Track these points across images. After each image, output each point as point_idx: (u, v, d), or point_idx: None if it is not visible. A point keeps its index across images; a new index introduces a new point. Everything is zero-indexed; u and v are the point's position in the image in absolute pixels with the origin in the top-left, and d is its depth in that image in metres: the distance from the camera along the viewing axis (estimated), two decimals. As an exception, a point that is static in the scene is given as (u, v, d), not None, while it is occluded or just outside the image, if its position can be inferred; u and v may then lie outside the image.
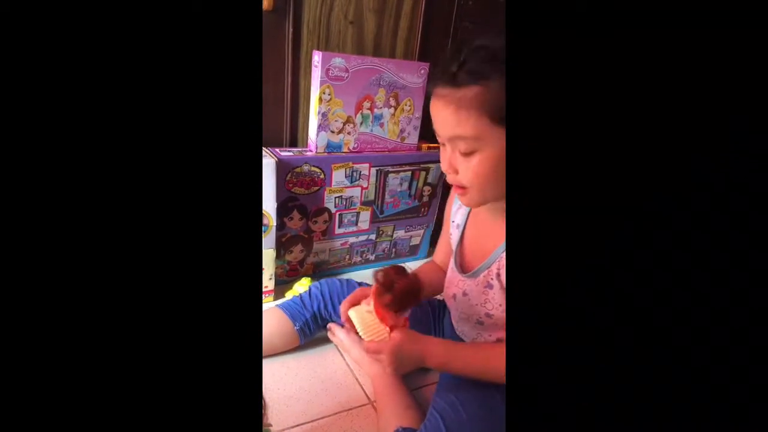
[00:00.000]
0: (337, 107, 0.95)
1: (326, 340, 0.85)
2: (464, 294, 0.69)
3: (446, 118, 0.53)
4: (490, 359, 0.60)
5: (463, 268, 0.71)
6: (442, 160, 0.57)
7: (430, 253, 1.27)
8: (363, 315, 0.64)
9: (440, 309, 0.84)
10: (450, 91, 0.51)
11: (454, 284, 0.72)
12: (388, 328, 0.63)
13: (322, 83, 0.91)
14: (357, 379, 0.79)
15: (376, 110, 1.00)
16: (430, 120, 1.07)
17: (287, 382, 0.76)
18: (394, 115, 1.03)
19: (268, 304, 0.96)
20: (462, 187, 0.57)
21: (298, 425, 0.68)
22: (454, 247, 0.74)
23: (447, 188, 1.16)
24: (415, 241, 1.23)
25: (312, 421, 0.69)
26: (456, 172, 0.56)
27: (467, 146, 0.53)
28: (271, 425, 0.57)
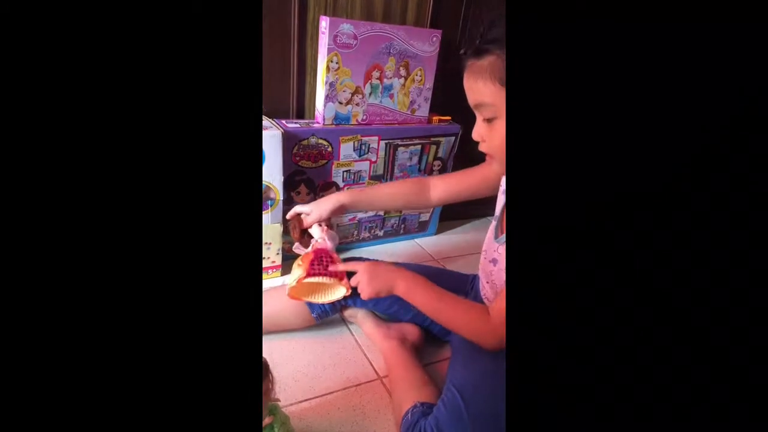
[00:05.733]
0: (345, 77, 0.91)
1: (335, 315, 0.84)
2: (493, 260, 0.69)
3: (470, 87, 0.56)
4: (453, 309, 0.63)
5: (499, 234, 0.70)
6: (474, 131, 0.60)
7: (440, 229, 1.25)
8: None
9: (473, 280, 0.84)
10: (473, 62, 0.55)
11: (490, 251, 0.70)
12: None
13: (329, 51, 0.87)
14: (365, 355, 0.78)
15: (385, 80, 0.96)
16: (440, 91, 1.04)
17: (295, 357, 0.75)
18: (404, 85, 0.99)
19: (276, 279, 0.95)
20: (490, 156, 0.61)
21: (306, 400, 0.67)
22: (497, 213, 0.72)
23: (457, 163, 1.13)
24: (425, 217, 1.20)
25: (320, 396, 0.68)
26: (484, 140, 0.59)
27: (488, 112, 0.56)
28: (279, 400, 0.56)
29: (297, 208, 0.77)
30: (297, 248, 0.74)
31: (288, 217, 0.78)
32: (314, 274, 0.66)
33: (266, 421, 0.52)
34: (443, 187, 0.81)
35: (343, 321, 0.85)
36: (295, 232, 0.76)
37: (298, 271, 0.68)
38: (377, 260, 0.68)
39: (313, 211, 0.75)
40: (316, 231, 0.74)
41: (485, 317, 0.59)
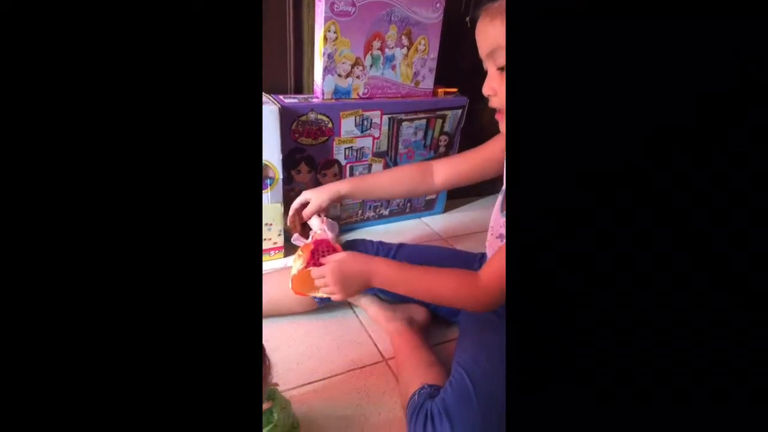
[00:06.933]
0: (344, 47, 0.86)
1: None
2: (500, 236, 0.65)
3: (486, 30, 0.52)
4: (436, 282, 0.60)
5: (504, 208, 0.66)
6: (484, 85, 0.56)
7: (447, 207, 1.21)
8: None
9: (480, 258, 0.81)
10: (488, 5, 0.52)
11: (497, 227, 0.67)
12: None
13: (326, 19, 0.82)
14: (370, 336, 0.76)
15: (387, 50, 0.91)
16: (446, 62, 0.99)
17: (298, 340, 0.73)
18: (407, 56, 0.94)
19: (278, 261, 0.93)
20: (501, 114, 0.57)
21: (309, 383, 0.65)
22: (504, 187, 0.68)
23: (464, 138, 1.08)
24: (431, 195, 1.16)
25: (323, 379, 0.66)
26: (496, 93, 0.54)
27: (503, 58, 0.52)
28: (277, 384, 0.54)
29: (304, 195, 0.74)
30: (296, 239, 0.71)
31: (295, 206, 0.74)
32: (316, 264, 0.64)
33: (265, 406, 0.50)
34: (447, 171, 0.77)
35: (348, 303, 0.82)
36: (295, 228, 0.74)
37: (299, 262, 0.66)
38: (346, 254, 0.64)
39: (311, 201, 0.72)
40: (314, 222, 0.72)
41: (471, 280, 0.57)
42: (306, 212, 0.73)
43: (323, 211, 0.74)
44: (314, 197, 0.73)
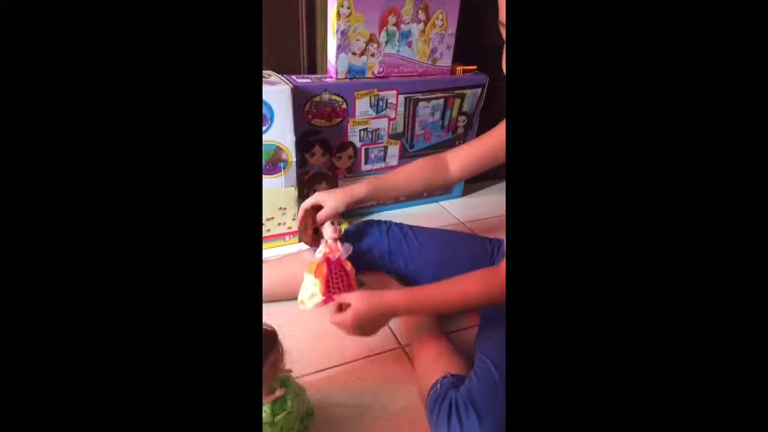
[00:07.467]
0: (357, 23, 0.83)
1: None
2: None
3: None
4: (460, 292, 0.57)
5: None
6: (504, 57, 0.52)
7: (466, 191, 1.18)
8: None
9: (498, 244, 0.78)
10: None
11: None
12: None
13: (339, -6, 0.79)
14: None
15: (403, 26, 0.87)
16: (465, 38, 0.94)
17: (312, 325, 0.72)
18: (423, 31, 0.90)
19: (293, 246, 0.92)
20: None
21: (323, 369, 0.64)
22: None
23: (484, 118, 1.04)
24: (450, 185, 1.13)
25: (338, 365, 0.65)
26: None
27: None
28: (290, 371, 0.52)
29: (317, 197, 0.69)
30: (307, 253, 0.67)
31: (305, 206, 0.69)
32: (332, 297, 0.61)
33: (278, 393, 0.48)
34: (462, 159, 0.74)
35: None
36: (306, 232, 0.68)
37: (311, 288, 0.62)
38: (361, 300, 0.57)
39: (327, 205, 0.67)
40: (327, 229, 0.67)
41: (492, 278, 0.55)
42: (320, 216, 0.68)
43: (337, 218, 0.69)
44: (330, 201, 0.67)
